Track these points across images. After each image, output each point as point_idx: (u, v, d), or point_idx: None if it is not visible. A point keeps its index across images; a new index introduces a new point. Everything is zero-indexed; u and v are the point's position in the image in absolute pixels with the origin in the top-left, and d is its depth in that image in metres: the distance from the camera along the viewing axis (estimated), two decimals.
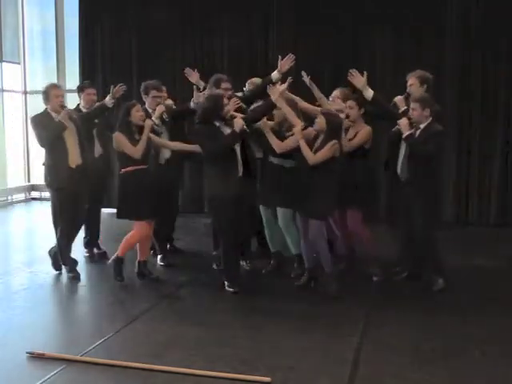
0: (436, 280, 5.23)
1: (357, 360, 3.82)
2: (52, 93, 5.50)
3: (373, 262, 5.51)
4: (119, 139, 5.24)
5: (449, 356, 3.87)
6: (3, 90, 10.34)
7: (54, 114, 5.48)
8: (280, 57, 5.35)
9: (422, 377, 3.58)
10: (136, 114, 5.27)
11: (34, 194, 10.79)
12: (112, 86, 5.85)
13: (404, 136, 5.09)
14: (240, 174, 5.13)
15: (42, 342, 4.08)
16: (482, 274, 5.77)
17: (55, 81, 10.34)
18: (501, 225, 7.93)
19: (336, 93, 5.67)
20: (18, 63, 10.60)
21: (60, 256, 5.71)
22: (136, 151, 5.21)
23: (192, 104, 5.69)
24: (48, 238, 7.60)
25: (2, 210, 9.79)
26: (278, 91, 5.16)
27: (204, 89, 5.91)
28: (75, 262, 5.73)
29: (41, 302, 5.05)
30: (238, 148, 5.11)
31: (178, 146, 5.57)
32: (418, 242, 5.28)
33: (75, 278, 5.59)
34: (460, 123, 8.05)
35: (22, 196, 10.67)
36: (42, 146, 5.59)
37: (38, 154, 10.82)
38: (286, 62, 5.34)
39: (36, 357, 3.83)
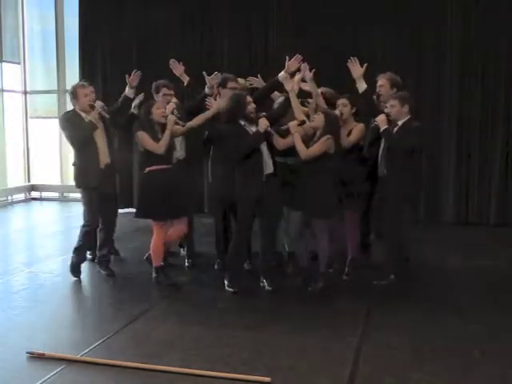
0: (387, 275, 5.26)
1: (357, 360, 3.81)
2: (80, 92, 5.44)
3: (350, 263, 5.54)
4: (142, 137, 5.22)
5: (449, 356, 3.87)
6: (3, 90, 10.36)
7: (83, 114, 5.43)
8: (287, 57, 5.33)
9: (422, 377, 3.57)
10: (157, 112, 5.24)
11: (34, 193, 10.80)
12: (127, 76, 5.75)
13: (381, 130, 5.18)
14: (268, 172, 5.08)
15: (42, 342, 4.08)
16: (482, 274, 5.76)
17: (55, 81, 10.38)
18: (501, 225, 7.94)
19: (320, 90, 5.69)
20: (18, 63, 10.62)
21: (75, 255, 5.62)
22: (159, 147, 5.17)
23: (207, 90, 5.65)
24: (48, 237, 7.63)
25: (2, 210, 9.80)
26: (293, 82, 5.16)
27: (189, 83, 5.86)
28: (80, 267, 5.66)
29: (41, 302, 5.05)
30: (264, 148, 5.08)
31: (201, 117, 5.43)
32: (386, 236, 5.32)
33: (78, 278, 5.57)
34: (460, 123, 8.06)
35: (21, 196, 10.69)
36: (73, 146, 5.54)
37: (38, 154, 10.93)
38: (293, 63, 5.30)
39: (36, 357, 3.83)
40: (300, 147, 4.97)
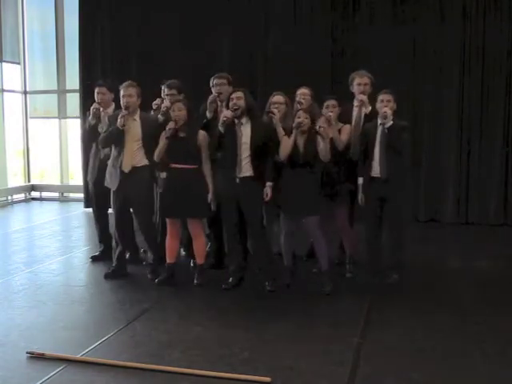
0: (391, 275, 5.27)
1: (357, 360, 3.81)
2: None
3: (350, 260, 5.57)
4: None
5: (449, 356, 3.87)
6: (3, 90, 10.36)
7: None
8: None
9: (422, 377, 3.57)
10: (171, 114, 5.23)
11: (34, 193, 10.80)
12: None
13: (366, 112, 5.26)
14: (246, 175, 5.10)
15: (42, 342, 4.08)
16: (482, 274, 5.76)
17: (55, 81, 10.39)
18: (501, 225, 7.94)
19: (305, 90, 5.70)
20: (18, 63, 10.62)
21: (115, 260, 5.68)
22: (157, 150, 5.21)
23: (208, 115, 5.59)
24: (48, 237, 7.62)
25: (2, 210, 9.80)
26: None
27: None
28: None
29: (41, 301, 5.04)
30: (241, 150, 5.08)
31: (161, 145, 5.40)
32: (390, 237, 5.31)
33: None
34: (460, 123, 8.06)
35: (21, 196, 10.69)
36: (101, 146, 5.60)
37: (38, 154, 10.93)
38: None
39: (36, 357, 3.83)
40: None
